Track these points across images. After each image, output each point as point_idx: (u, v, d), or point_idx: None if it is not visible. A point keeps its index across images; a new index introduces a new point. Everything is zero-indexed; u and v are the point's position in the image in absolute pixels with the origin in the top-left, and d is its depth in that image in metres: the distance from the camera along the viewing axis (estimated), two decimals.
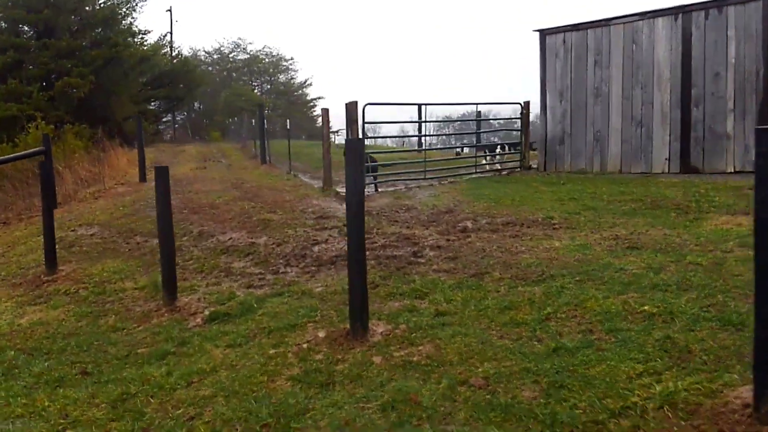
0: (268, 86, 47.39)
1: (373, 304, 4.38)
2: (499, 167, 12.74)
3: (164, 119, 37.15)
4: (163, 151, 21.45)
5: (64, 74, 22.79)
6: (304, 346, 4.03)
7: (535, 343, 3.61)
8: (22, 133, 18.42)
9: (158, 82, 31.07)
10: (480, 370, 3.34)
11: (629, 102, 11.13)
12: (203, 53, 44.24)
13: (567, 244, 5.78)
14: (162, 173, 5.28)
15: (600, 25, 11.55)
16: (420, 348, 3.75)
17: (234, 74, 45.79)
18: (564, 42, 12.04)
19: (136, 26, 28.49)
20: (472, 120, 18.91)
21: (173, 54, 36.37)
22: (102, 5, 26.23)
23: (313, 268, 5.94)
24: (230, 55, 45.83)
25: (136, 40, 28.33)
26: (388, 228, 7.16)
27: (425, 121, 12.60)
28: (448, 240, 6.38)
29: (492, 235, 6.43)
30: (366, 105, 9.89)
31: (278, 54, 46.96)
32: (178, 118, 40.19)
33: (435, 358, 3.58)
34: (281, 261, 6.28)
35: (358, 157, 4.18)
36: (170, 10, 44.02)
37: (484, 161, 13.08)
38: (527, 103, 12.91)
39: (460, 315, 4.20)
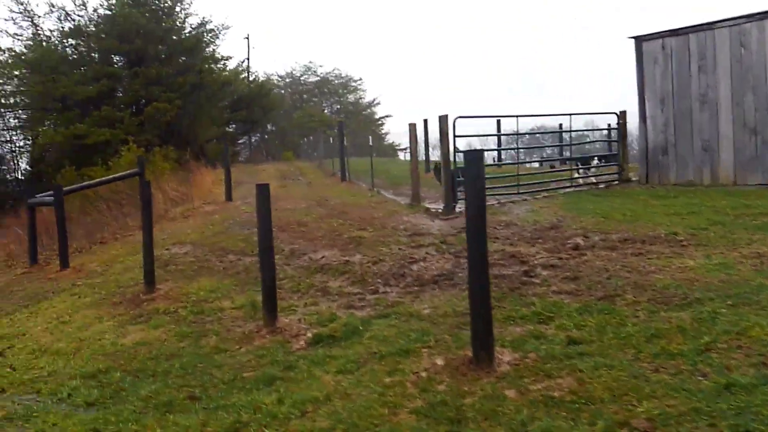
0: (338, 106, 48.23)
1: None
2: (595, 180, 11.97)
3: (240, 141, 38.44)
4: (242, 171, 21.96)
5: (153, 100, 23.98)
6: (423, 374, 3.68)
7: (700, 378, 3.11)
8: (114, 156, 19.50)
9: (237, 106, 32.17)
10: (640, 409, 2.89)
11: (741, 108, 10.16)
12: (276, 77, 45.65)
13: (703, 263, 5.13)
14: (263, 191, 5.14)
15: (702, 29, 10.71)
16: (559, 381, 3.32)
17: (305, 96, 46.91)
18: (663, 48, 11.24)
19: (219, 53, 29.70)
20: (555, 132, 18.07)
21: (250, 79, 37.70)
22: (188, 34, 27.56)
23: (416, 287, 5.61)
24: (301, 78, 47.07)
25: (218, 66, 29.55)
26: (490, 245, 6.69)
27: (518, 134, 12.03)
28: (560, 258, 5.86)
29: (611, 253, 5.84)
30: (457, 118, 9.55)
31: (347, 75, 47.82)
32: (252, 140, 41.50)
33: (580, 393, 3.14)
34: (379, 280, 5.99)
35: (479, 170, 3.83)
36: (248, 38, 46.07)
37: (577, 174, 12.34)
38: (623, 113, 12.11)
39: (597, 344, 3.72)
